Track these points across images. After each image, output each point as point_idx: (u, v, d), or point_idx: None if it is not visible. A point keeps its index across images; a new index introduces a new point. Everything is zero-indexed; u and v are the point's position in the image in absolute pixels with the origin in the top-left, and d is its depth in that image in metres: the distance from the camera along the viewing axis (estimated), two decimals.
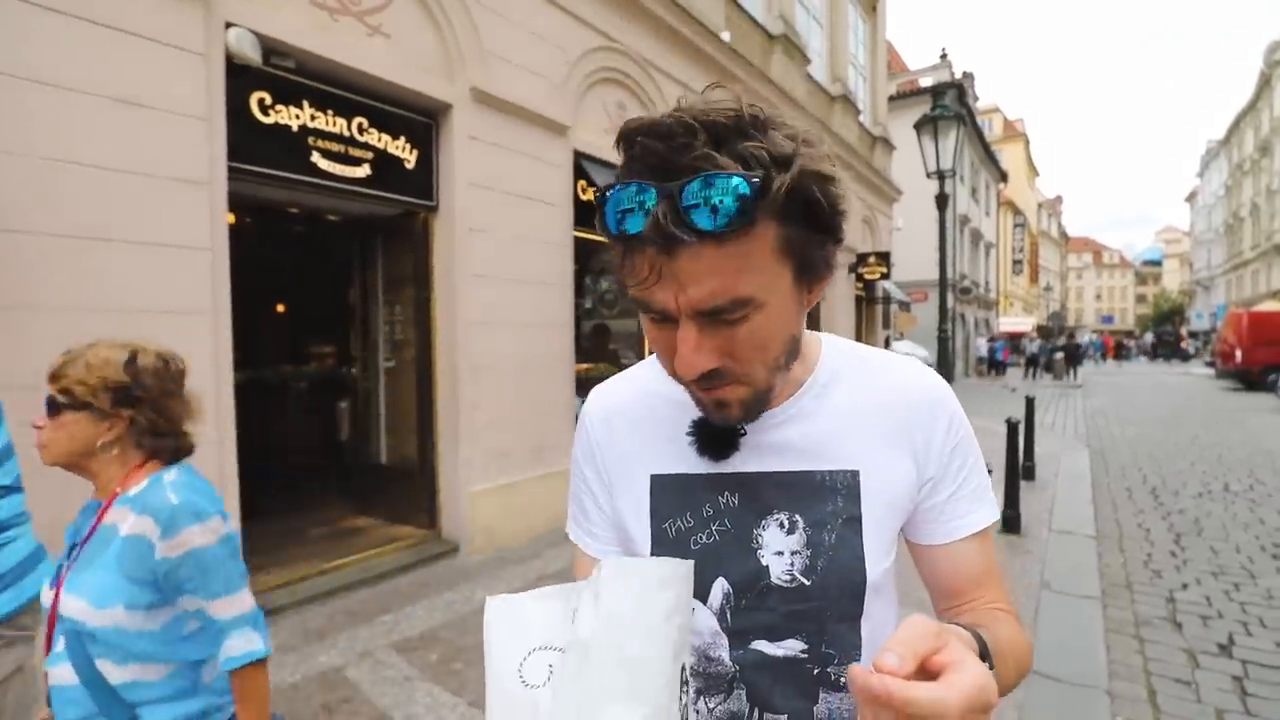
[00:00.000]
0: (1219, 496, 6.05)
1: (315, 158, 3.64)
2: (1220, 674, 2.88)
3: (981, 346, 23.49)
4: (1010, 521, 4.75)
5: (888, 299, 12.82)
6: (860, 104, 11.47)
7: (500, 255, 4.52)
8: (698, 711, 0.67)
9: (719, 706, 0.67)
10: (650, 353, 0.79)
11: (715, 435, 0.66)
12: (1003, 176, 29.73)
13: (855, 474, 0.66)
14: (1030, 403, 6.60)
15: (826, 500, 0.65)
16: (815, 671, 0.65)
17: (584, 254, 5.54)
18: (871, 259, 11.30)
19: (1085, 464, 7.49)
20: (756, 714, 0.66)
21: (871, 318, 12.93)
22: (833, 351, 0.72)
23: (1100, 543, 4.71)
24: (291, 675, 2.71)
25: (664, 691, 0.42)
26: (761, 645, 0.65)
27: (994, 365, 23.05)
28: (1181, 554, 4.50)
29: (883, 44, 12.61)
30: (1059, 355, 23.13)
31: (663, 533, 0.68)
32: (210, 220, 3.00)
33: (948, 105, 5.55)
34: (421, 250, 4.40)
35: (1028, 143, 39.72)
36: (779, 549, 0.65)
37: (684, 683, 0.45)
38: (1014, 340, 26.25)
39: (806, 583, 0.64)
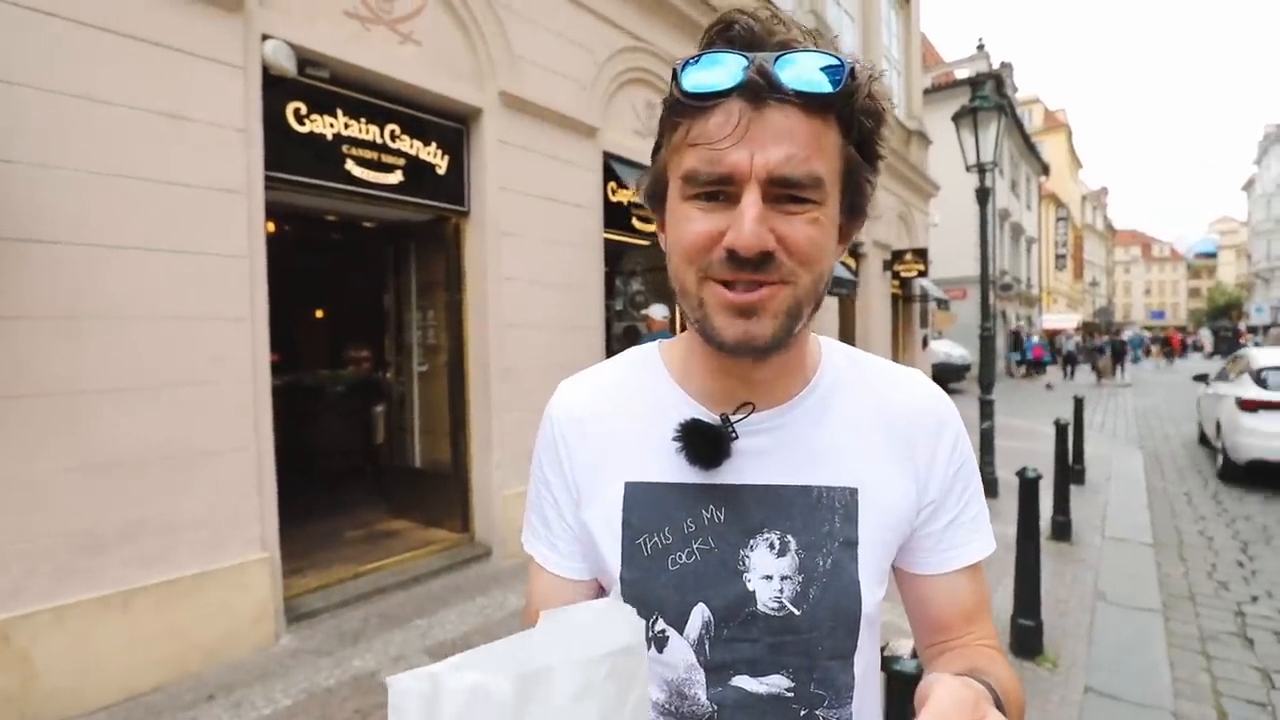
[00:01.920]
0: None
1: (349, 165, 3.68)
2: None
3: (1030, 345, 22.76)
4: (1060, 528, 4.54)
5: (925, 297, 12.50)
6: (894, 98, 11.20)
7: (531, 258, 4.52)
8: None
9: None
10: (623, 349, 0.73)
11: (706, 437, 0.58)
12: (1044, 169, 28.79)
13: (854, 492, 0.59)
14: (1079, 403, 6.33)
15: (823, 520, 0.58)
16: (802, 713, 0.58)
17: (614, 256, 5.51)
18: (908, 256, 11.01)
19: (1139, 467, 7.16)
20: None
21: (908, 316, 12.61)
22: (833, 355, 0.66)
23: (1159, 551, 4.48)
24: (326, 679, 2.73)
25: None
26: (743, 681, 0.58)
27: (1027, 365, 22.24)
28: (1250, 564, 4.24)
29: (916, 36, 12.30)
30: (1106, 353, 22.26)
31: (636, 549, 0.60)
32: (248, 228, 3.05)
33: (987, 96, 5.36)
34: (453, 254, 4.42)
35: (1070, 134, 38.40)
36: (767, 573, 0.58)
37: None
38: (1051, 337, 25.11)
39: (796, 612, 0.57)
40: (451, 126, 4.22)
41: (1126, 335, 28.81)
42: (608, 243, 5.24)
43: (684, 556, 0.59)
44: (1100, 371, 21.64)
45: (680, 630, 0.58)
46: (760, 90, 0.48)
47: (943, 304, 12.43)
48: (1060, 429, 4.63)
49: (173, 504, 2.74)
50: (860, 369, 0.65)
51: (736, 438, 0.59)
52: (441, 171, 4.20)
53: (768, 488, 0.59)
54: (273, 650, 2.97)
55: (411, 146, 4.01)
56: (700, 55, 0.50)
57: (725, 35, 0.52)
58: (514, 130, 4.40)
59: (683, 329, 0.67)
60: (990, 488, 5.53)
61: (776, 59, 0.48)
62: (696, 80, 0.50)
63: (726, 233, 0.49)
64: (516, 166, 4.42)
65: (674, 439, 0.59)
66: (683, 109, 0.51)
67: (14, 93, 2.42)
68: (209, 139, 2.93)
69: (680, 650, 0.58)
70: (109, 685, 2.54)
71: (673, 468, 0.60)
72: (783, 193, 0.49)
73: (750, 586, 0.58)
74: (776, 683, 0.58)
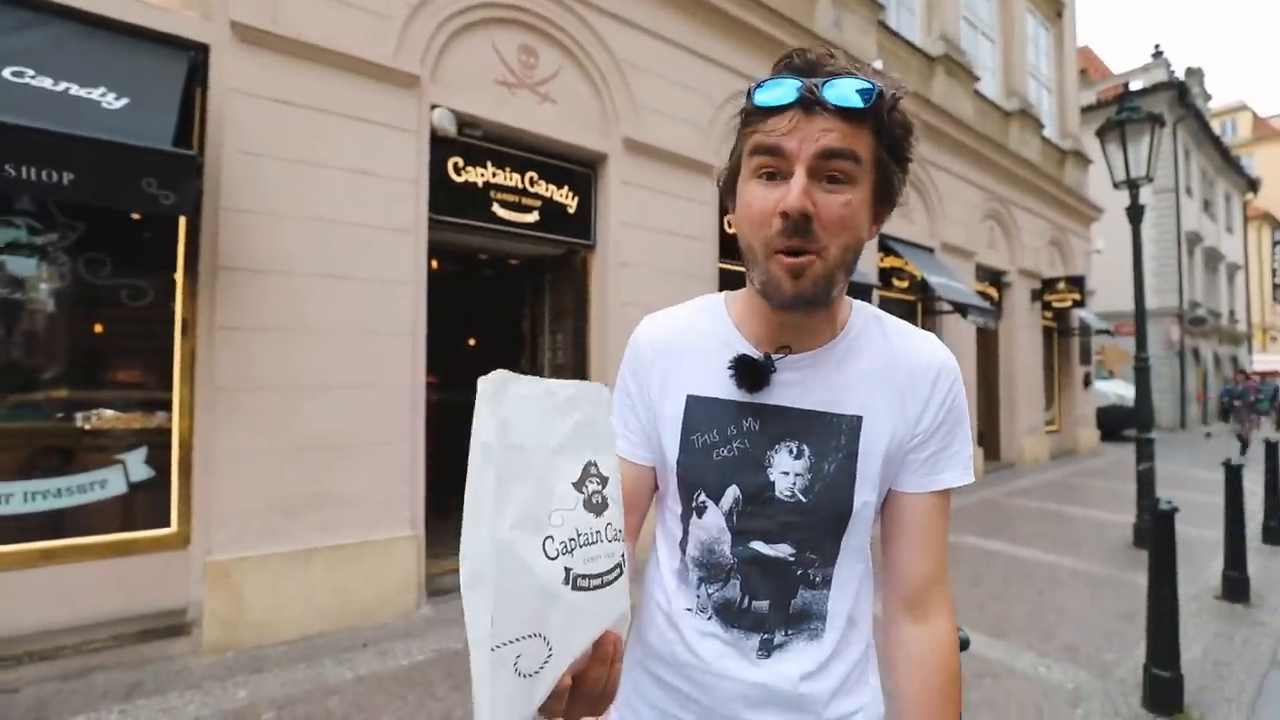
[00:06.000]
0: None
1: (495, 207, 4.31)
2: None
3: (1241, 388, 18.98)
4: (1234, 586, 3.96)
5: (1085, 330, 11.22)
6: (1044, 117, 10.46)
7: (648, 286, 4.89)
8: (698, 596, 0.81)
9: (716, 593, 0.80)
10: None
11: (752, 368, 0.78)
12: (1251, 185, 24.71)
13: (859, 419, 0.77)
14: (1272, 448, 5.43)
15: (832, 436, 0.76)
16: (798, 572, 0.77)
17: (728, 284, 5.74)
18: (1060, 284, 10.04)
19: None
20: (746, 600, 0.78)
21: (1065, 351, 11.39)
22: (860, 315, 0.83)
23: None
24: (455, 644, 3.15)
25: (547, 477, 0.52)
26: (758, 545, 0.78)
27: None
28: None
29: (1071, 51, 11.41)
30: None
31: (690, 443, 0.80)
32: (414, 260, 3.71)
33: (1137, 107, 4.96)
34: (580, 284, 4.91)
35: None
36: (786, 470, 0.77)
37: (587, 477, 0.55)
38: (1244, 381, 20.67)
39: (804, 500, 0.76)
40: (580, 170, 4.75)
41: None
42: (722, 272, 5.50)
43: (725, 451, 0.79)
44: None
45: (716, 503, 0.79)
46: (809, 103, 0.66)
47: (1105, 333, 11.05)
48: (1231, 471, 4.06)
49: (345, 482, 3.36)
50: (884, 328, 0.82)
51: (775, 371, 0.78)
52: (572, 211, 4.72)
53: (794, 410, 0.78)
54: (413, 616, 3.48)
55: (547, 190, 4.58)
56: (769, 79, 0.70)
57: (789, 65, 0.71)
58: (635, 171, 4.84)
59: None
60: (1144, 538, 4.90)
61: (823, 83, 0.67)
62: (764, 97, 0.69)
63: (779, 202, 0.68)
64: (637, 203, 4.85)
65: (728, 367, 0.79)
66: (753, 118, 0.71)
67: (257, 162, 3.22)
68: (389, 190, 3.63)
69: (714, 517, 0.79)
70: (290, 625, 3.15)
71: (724, 388, 0.80)
72: (825, 169, 0.67)
73: (771, 478, 0.77)
74: (783, 549, 0.77)
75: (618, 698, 0.88)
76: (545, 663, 0.49)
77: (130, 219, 3.15)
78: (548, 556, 0.50)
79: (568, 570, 0.51)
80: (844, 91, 0.66)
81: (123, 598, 2.99)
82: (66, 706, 2.53)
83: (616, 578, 0.55)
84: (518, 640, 0.47)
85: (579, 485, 0.53)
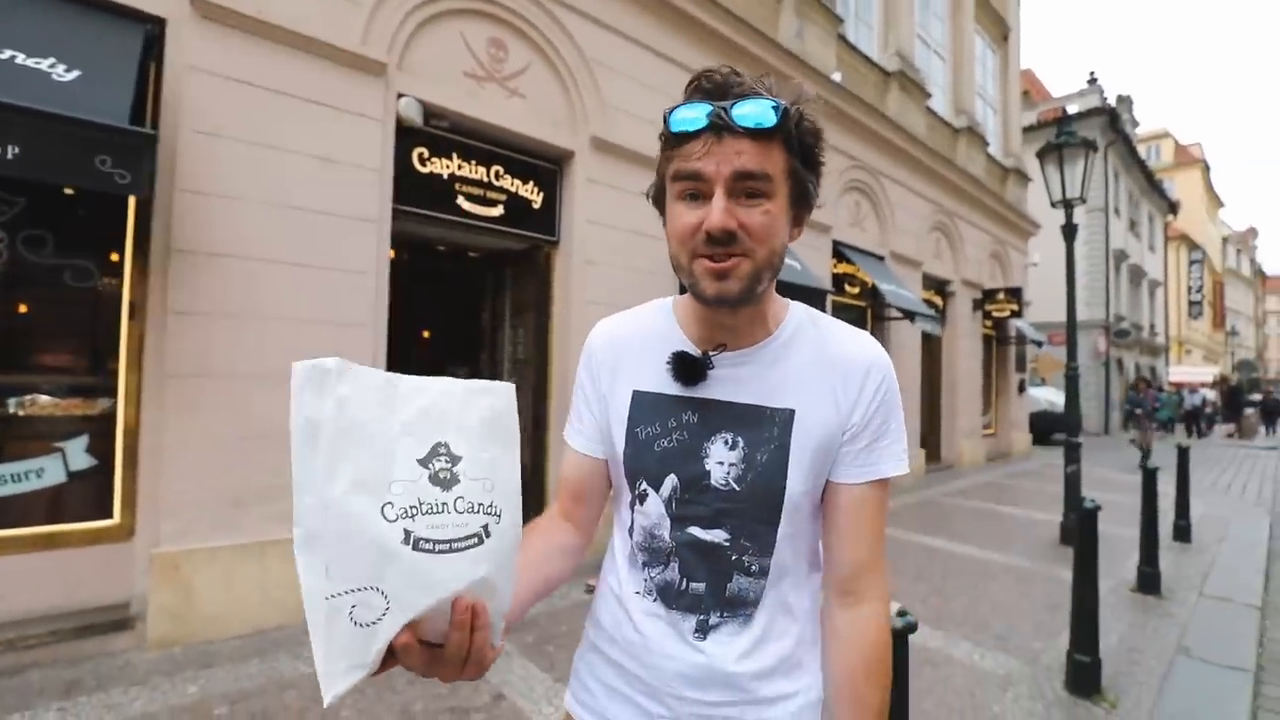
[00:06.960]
0: None
1: (460, 200, 4.28)
2: None
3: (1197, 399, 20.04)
4: (1147, 580, 4.29)
5: (1021, 339, 11.87)
6: (989, 136, 10.98)
7: (612, 284, 4.93)
8: (644, 580, 0.85)
9: (658, 575, 0.84)
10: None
11: (688, 364, 0.82)
12: (1171, 208, 26.51)
13: (791, 413, 0.80)
14: (1184, 454, 5.90)
15: (765, 429, 0.80)
16: (733, 558, 0.81)
17: None
18: (1000, 295, 10.58)
19: (1264, 532, 6.48)
20: (684, 582, 0.83)
21: (1003, 359, 12.00)
22: (796, 315, 0.87)
23: (1268, 616, 4.12)
24: None
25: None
26: (695, 531, 0.82)
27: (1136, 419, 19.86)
28: None
29: (1015, 73, 12.02)
30: (1250, 411, 19.93)
31: (634, 435, 0.85)
32: (376, 251, 3.66)
33: (1074, 132, 5.30)
34: (543, 280, 4.92)
35: (1206, 169, 35.12)
36: (721, 460, 0.81)
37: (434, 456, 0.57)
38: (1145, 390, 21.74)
39: (737, 488, 0.80)
40: (547, 167, 4.76)
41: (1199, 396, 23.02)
42: None
43: (666, 442, 0.83)
44: (1242, 430, 19.42)
45: (657, 490, 0.83)
46: (719, 128, 0.70)
47: (1036, 343, 11.72)
48: (1148, 474, 4.41)
49: None
50: (819, 328, 0.86)
51: (713, 367, 0.82)
52: (537, 206, 4.73)
53: (730, 404, 0.82)
54: None
55: (512, 184, 4.57)
56: (682, 104, 0.73)
57: (699, 88, 0.74)
58: (602, 170, 4.88)
59: None
60: (1070, 536, 5.26)
61: (732, 105, 0.70)
62: (677, 122, 0.72)
63: (704, 221, 0.71)
64: (603, 202, 4.89)
65: (666, 363, 0.83)
66: (671, 143, 0.75)
67: (215, 142, 3.12)
68: (352, 178, 3.57)
69: (655, 504, 0.84)
70: (244, 618, 3.07)
71: (666, 383, 0.84)
72: (741, 188, 0.71)
73: (707, 467, 0.81)
74: (718, 535, 0.81)
75: (574, 677, 0.93)
76: (383, 615, 0.50)
77: (75, 196, 3.01)
78: (386, 519, 0.52)
79: (408, 532, 0.52)
80: (751, 113, 0.69)
81: (61, 592, 2.86)
82: (0, 705, 2.42)
83: (471, 546, 0.55)
84: (353, 591, 0.50)
85: (424, 462, 0.55)
